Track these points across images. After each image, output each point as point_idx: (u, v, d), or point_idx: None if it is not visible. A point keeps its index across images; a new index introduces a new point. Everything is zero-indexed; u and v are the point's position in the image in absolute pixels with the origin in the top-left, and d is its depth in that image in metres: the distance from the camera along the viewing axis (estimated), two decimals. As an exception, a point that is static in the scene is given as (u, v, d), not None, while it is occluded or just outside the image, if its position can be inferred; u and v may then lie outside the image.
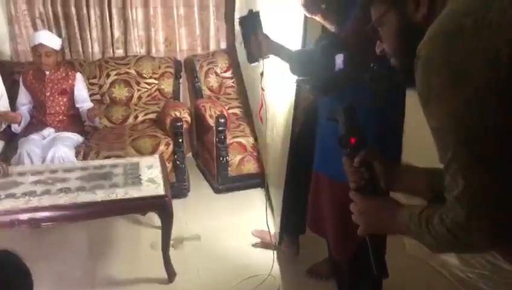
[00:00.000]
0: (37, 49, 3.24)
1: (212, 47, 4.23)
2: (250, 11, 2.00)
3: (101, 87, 3.86)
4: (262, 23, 1.98)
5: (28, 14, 3.78)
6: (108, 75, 3.85)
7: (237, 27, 3.44)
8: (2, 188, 2.46)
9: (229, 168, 3.57)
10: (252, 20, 1.98)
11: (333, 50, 1.59)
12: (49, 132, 3.33)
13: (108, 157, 3.22)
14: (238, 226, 3.08)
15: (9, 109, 3.32)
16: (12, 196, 2.38)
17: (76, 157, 3.19)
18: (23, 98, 3.40)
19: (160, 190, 2.46)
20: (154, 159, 2.93)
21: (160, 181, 2.57)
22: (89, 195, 2.39)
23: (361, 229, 1.12)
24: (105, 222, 2.93)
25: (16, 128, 3.33)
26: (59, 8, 3.80)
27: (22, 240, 2.78)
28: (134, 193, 2.43)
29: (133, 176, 2.63)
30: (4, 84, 3.36)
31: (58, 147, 3.10)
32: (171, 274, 2.52)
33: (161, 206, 2.43)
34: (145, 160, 2.94)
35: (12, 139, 3.32)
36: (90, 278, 2.56)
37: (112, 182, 2.55)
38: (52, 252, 2.82)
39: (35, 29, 3.70)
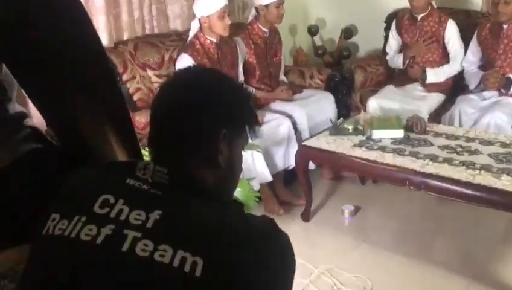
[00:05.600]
0: None
1: None
2: None
3: None
4: None
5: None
6: None
7: None
8: (411, 144, 2.48)
9: None
10: None
11: None
12: (491, 94, 3.00)
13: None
14: None
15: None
16: (415, 155, 2.35)
17: (513, 128, 2.78)
18: (471, 55, 3.15)
19: None
20: None
21: None
22: (488, 178, 2.07)
23: None
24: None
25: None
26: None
27: (423, 202, 2.73)
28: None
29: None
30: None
31: (495, 114, 2.77)
32: None
33: None
34: None
35: (452, 95, 3.20)
36: (470, 267, 2.28)
37: (526, 170, 2.10)
38: (446, 226, 2.67)
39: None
